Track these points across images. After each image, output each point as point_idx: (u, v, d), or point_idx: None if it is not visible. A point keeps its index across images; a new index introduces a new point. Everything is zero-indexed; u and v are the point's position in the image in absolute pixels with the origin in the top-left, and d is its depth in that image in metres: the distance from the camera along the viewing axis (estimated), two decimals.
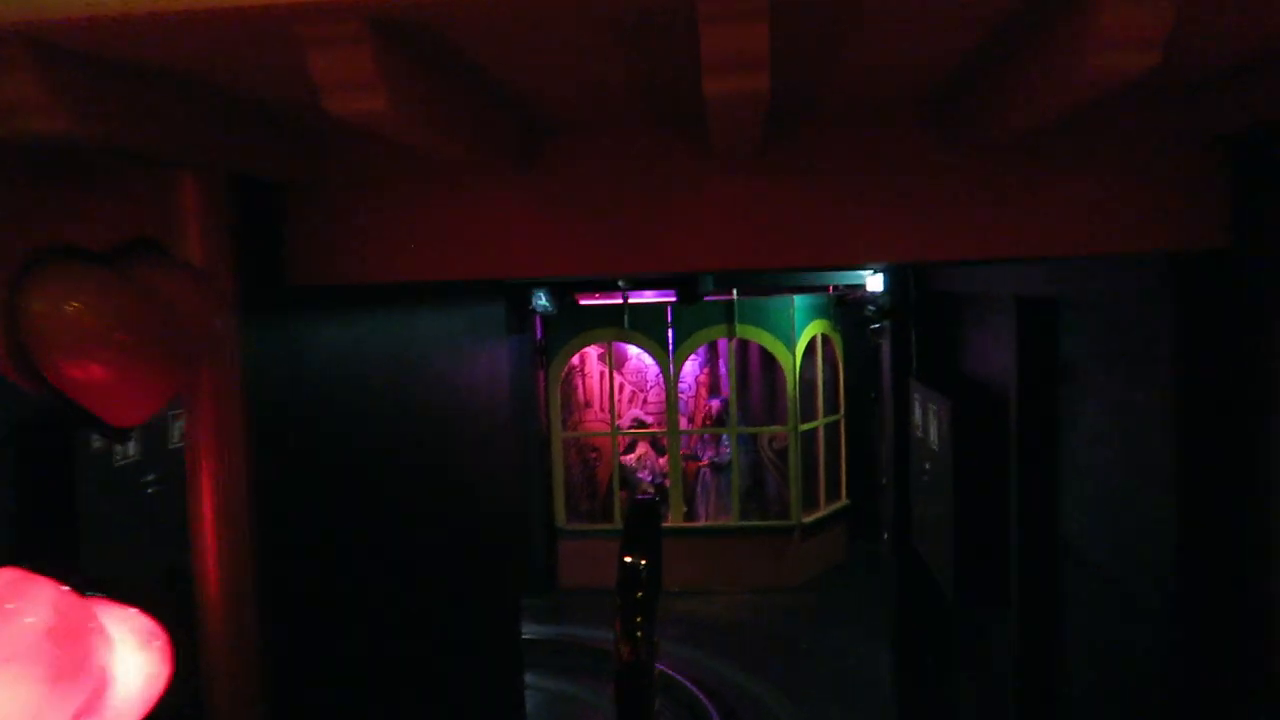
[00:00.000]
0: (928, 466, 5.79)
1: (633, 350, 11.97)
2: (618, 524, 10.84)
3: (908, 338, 6.82)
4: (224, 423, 2.53)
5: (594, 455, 12.08)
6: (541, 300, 9.52)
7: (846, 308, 11.28)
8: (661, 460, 11.46)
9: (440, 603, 4.42)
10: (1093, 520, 3.96)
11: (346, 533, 3.40)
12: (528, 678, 7.40)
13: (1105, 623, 3.86)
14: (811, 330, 11.07)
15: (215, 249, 2.51)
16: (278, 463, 2.86)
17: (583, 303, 10.92)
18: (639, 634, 3.95)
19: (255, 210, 2.81)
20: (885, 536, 8.98)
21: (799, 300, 10.81)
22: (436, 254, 2.91)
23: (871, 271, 7.28)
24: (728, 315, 10.76)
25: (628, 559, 4.30)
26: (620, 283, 7.94)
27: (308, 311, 3.26)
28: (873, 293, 7.46)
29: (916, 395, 6.07)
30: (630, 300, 10.68)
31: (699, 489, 11.50)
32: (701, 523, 11.20)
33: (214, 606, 2.50)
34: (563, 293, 10.13)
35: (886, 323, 7.18)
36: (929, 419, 5.73)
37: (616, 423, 11.32)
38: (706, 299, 10.79)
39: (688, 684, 7.77)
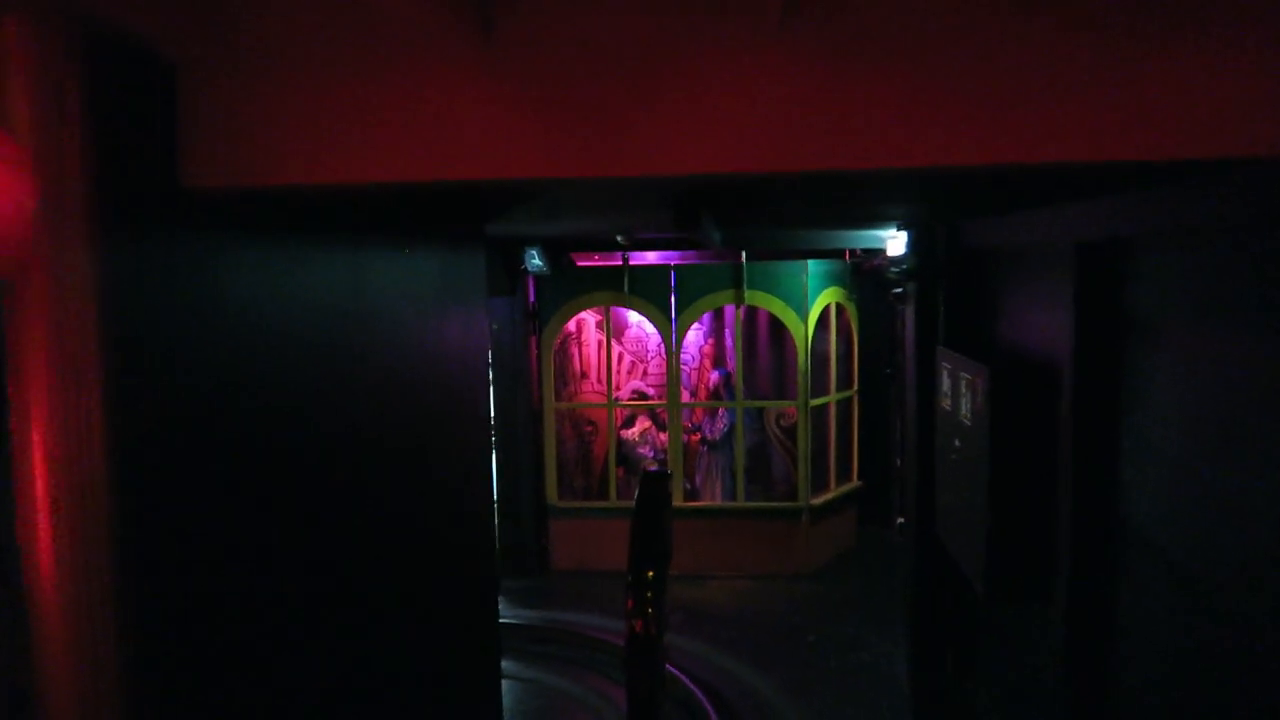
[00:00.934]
0: (957, 444, 5.18)
1: (633, 318, 11.30)
2: (614, 502, 10.24)
3: (935, 301, 6.21)
4: (67, 363, 1.89)
5: (590, 429, 11.43)
6: (534, 259, 8.86)
7: (863, 275, 10.59)
8: (663, 435, 10.83)
9: (397, 587, 3.81)
10: (1168, 505, 3.33)
11: (264, 508, 2.77)
12: (510, 668, 6.83)
13: (1180, 624, 3.24)
14: (825, 299, 10.39)
15: (52, 123, 1.88)
16: (163, 424, 2.22)
17: (580, 264, 10.24)
18: (650, 609, 3.90)
19: (133, 88, 2.17)
20: (900, 522, 8.38)
21: (812, 265, 10.13)
22: (371, 148, 2.32)
23: (895, 229, 6.62)
24: (735, 280, 10.07)
25: (640, 534, 4.09)
26: (619, 238, 7.29)
27: (217, 232, 2.62)
28: (893, 256, 6.81)
29: (945, 365, 5.45)
30: (631, 263, 10.00)
31: (698, 466, 10.88)
32: (702, 503, 10.57)
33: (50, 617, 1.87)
34: (558, 252, 9.46)
35: (910, 286, 6.54)
36: (960, 391, 5.12)
37: (615, 395, 10.66)
38: (713, 261, 10.12)
39: (684, 678, 7.18)
